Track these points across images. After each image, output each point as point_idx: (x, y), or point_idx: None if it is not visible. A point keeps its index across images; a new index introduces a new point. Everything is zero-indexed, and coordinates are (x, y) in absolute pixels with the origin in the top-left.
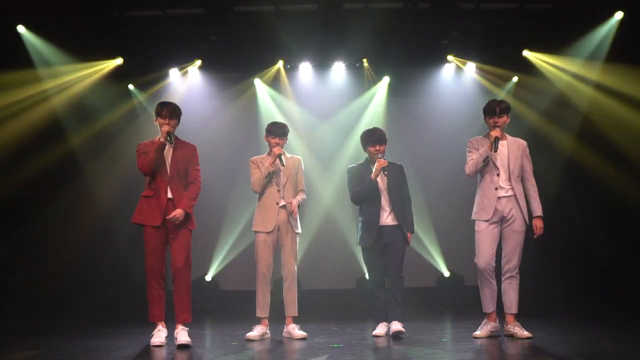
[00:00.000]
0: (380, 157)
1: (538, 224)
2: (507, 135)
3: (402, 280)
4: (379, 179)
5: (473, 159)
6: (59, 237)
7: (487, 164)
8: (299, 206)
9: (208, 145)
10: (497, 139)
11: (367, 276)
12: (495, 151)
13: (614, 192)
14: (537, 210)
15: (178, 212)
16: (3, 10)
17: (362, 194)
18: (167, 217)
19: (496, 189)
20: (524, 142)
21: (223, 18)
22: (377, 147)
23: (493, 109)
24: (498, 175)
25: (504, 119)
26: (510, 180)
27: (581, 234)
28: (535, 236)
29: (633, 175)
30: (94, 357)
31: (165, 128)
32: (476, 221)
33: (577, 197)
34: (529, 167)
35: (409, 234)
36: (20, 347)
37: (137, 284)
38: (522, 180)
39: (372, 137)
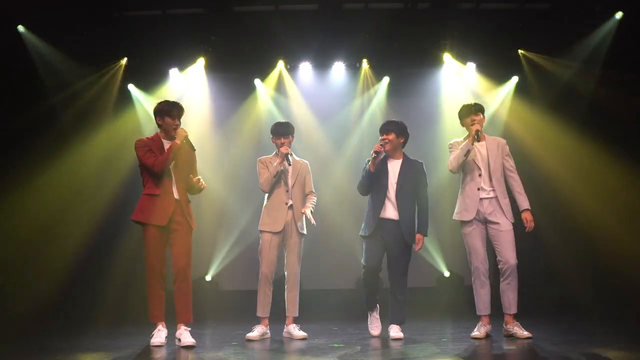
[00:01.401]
0: (381, 145)
1: (527, 217)
2: (486, 136)
3: (406, 284)
4: (391, 170)
5: (454, 154)
6: (59, 237)
7: (468, 164)
8: (311, 211)
9: (208, 145)
10: (478, 132)
11: (362, 261)
12: (478, 141)
13: (615, 192)
14: (524, 203)
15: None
16: (3, 10)
17: (362, 183)
18: (196, 180)
19: (478, 189)
20: (503, 140)
21: (223, 18)
22: (383, 136)
23: (468, 108)
24: (480, 175)
25: (480, 118)
26: (491, 181)
27: (581, 232)
28: (527, 229)
29: (634, 175)
30: (94, 357)
31: (183, 132)
32: (462, 224)
33: (577, 196)
34: (510, 165)
35: (419, 235)
36: (22, 348)
37: (137, 284)
38: (505, 178)
39: (381, 128)
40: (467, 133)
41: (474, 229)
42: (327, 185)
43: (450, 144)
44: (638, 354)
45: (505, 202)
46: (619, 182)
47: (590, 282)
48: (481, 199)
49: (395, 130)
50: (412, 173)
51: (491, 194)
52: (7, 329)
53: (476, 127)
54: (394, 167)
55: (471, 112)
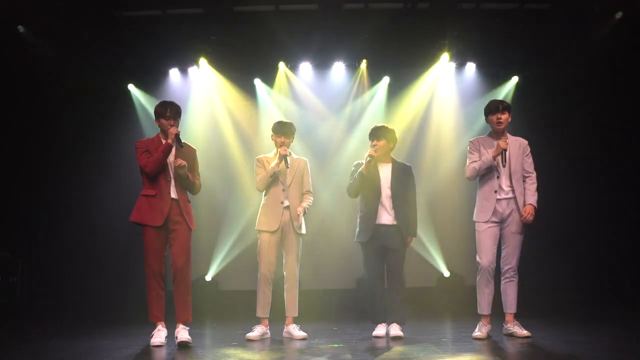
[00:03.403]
0: (373, 150)
1: (528, 210)
2: (509, 135)
3: (403, 284)
4: (382, 175)
5: (474, 165)
6: (59, 237)
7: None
8: (304, 212)
9: (208, 145)
10: (504, 152)
11: (364, 271)
12: (504, 166)
13: (615, 191)
14: (529, 199)
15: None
16: (3, 10)
17: (353, 186)
18: (175, 163)
19: (495, 191)
20: (525, 141)
21: (223, 18)
22: (374, 142)
23: (496, 106)
24: (498, 177)
25: (507, 117)
26: (511, 181)
27: (582, 233)
28: (522, 219)
29: (633, 175)
30: (94, 357)
31: (174, 130)
32: (476, 222)
33: (577, 196)
34: (529, 165)
35: (409, 237)
36: (21, 348)
37: (137, 284)
38: (523, 177)
39: (372, 133)
40: (489, 131)
41: (488, 228)
42: (326, 185)
43: (471, 142)
44: (638, 355)
45: (522, 202)
46: (620, 182)
47: (590, 282)
48: (499, 199)
49: (386, 136)
50: (403, 176)
51: (510, 194)
52: (6, 329)
53: (505, 144)
54: (385, 171)
55: (498, 110)
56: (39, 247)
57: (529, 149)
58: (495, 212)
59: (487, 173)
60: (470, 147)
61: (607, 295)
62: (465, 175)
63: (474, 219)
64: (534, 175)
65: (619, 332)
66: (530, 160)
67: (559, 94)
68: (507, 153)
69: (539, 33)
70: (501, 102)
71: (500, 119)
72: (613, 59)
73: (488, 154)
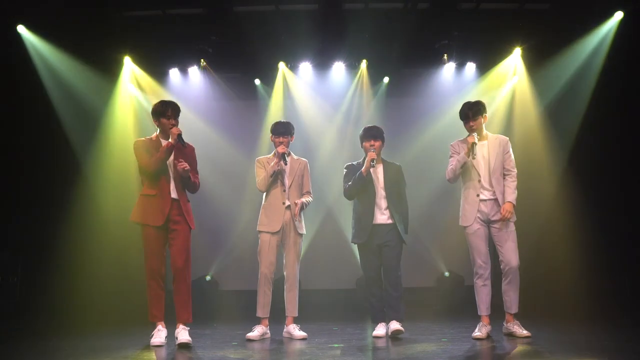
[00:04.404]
0: (373, 151)
1: (506, 207)
2: (489, 134)
3: (400, 280)
4: (375, 176)
5: (451, 166)
6: (59, 237)
7: (468, 169)
8: (302, 208)
9: (208, 145)
10: (474, 145)
11: (363, 272)
12: (474, 158)
13: (615, 192)
14: (508, 196)
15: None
16: (3, 10)
17: (353, 188)
18: (179, 166)
19: (478, 195)
20: (505, 139)
21: (223, 18)
22: (372, 142)
23: (466, 114)
24: (479, 181)
25: (479, 121)
26: (492, 181)
27: (581, 233)
28: (500, 217)
29: (633, 175)
30: (94, 357)
31: (176, 130)
32: (464, 226)
33: (577, 196)
34: (509, 163)
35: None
36: (22, 348)
37: (137, 284)
38: (504, 175)
39: (368, 133)
40: (468, 134)
41: (478, 229)
42: (327, 185)
43: (452, 146)
44: (638, 355)
45: (502, 201)
46: (620, 181)
47: (589, 282)
48: (483, 200)
49: (381, 137)
50: (395, 176)
51: (493, 195)
52: (6, 329)
53: (472, 139)
54: (377, 172)
55: (468, 117)
56: (39, 247)
57: (509, 147)
58: (480, 212)
59: (468, 177)
60: (450, 150)
61: (607, 295)
62: (446, 179)
63: (460, 223)
64: (515, 172)
65: (619, 332)
66: (511, 157)
67: (559, 93)
68: (486, 151)
69: (539, 33)
70: (470, 107)
71: (473, 126)
72: (612, 59)
73: (461, 154)
